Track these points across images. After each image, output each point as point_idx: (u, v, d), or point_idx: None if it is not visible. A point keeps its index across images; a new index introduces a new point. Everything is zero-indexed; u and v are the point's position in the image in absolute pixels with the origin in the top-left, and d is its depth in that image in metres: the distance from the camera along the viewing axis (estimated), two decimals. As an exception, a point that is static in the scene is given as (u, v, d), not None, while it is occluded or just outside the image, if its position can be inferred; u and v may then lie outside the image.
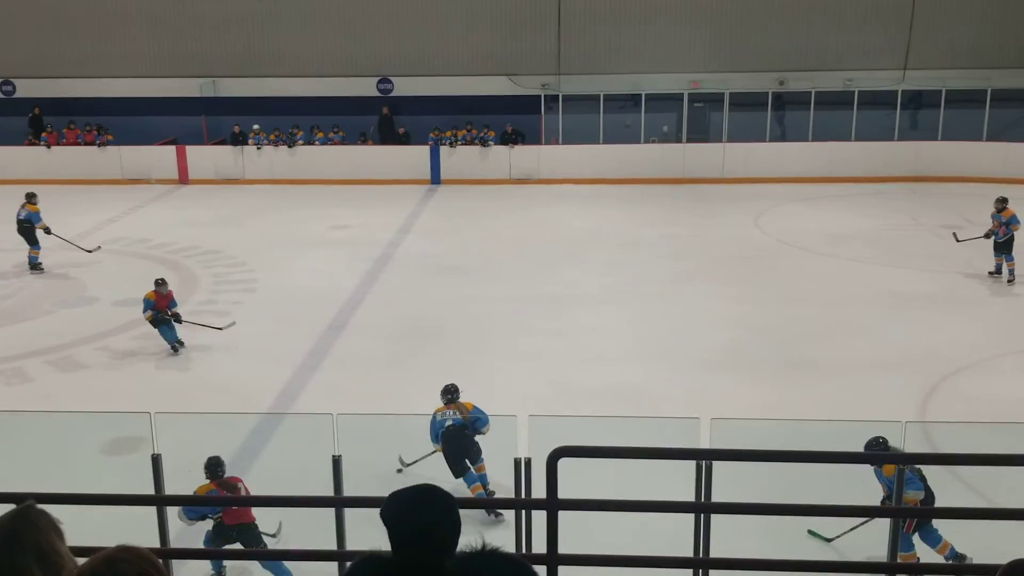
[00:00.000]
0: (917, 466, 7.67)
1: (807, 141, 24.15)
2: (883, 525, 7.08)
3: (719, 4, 24.32)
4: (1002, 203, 15.41)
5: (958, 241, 16.32)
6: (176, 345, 12.75)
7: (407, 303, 14.75)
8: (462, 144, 24.09)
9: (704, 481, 6.18)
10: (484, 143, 24.01)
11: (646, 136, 24.72)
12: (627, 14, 24.36)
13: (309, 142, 24.48)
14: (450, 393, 9.03)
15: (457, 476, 8.44)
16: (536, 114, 24.70)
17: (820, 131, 24.20)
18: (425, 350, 12.79)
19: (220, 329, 13.06)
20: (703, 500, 6.08)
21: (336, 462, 6.17)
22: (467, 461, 8.64)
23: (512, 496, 6.14)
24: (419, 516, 2.61)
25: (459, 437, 8.66)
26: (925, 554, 7.60)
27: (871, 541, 7.33)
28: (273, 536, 7.31)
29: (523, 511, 6.12)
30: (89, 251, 13.41)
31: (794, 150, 23.89)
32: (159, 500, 5.56)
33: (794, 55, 24.18)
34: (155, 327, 12.72)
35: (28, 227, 15.44)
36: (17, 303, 14.94)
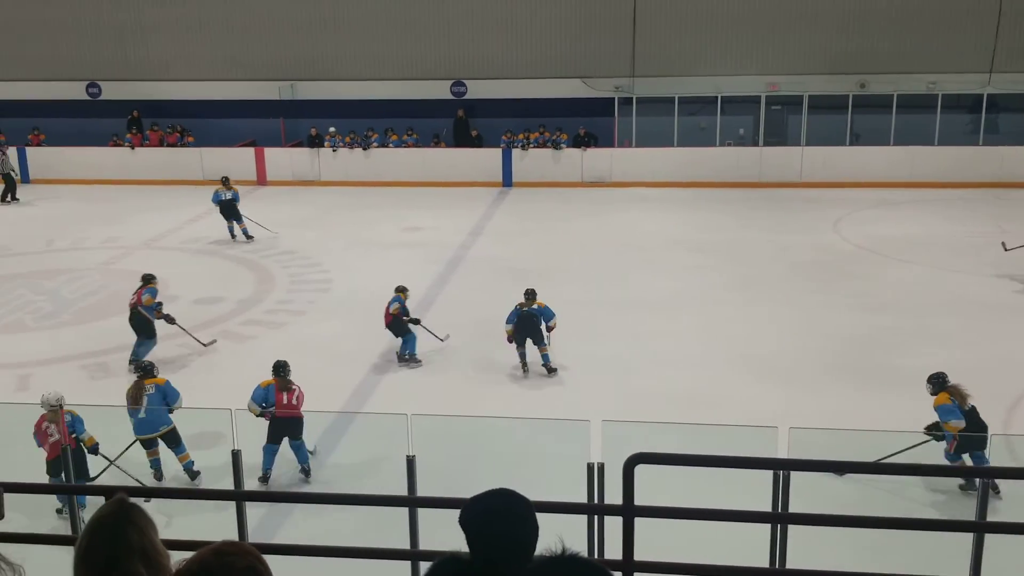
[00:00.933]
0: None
1: (888, 145, 23.60)
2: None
3: (798, 5, 23.91)
4: None
5: (1007, 250, 15.75)
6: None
7: (478, 305, 14.79)
8: (534, 147, 24.10)
9: (781, 491, 6.06)
10: (556, 146, 23.98)
11: (722, 139, 24.43)
12: (703, 15, 24.10)
13: (383, 144, 24.75)
14: (529, 294, 11.97)
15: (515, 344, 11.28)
16: (609, 117, 24.60)
17: (902, 135, 23.63)
18: (496, 352, 12.79)
19: (204, 344, 12.73)
20: (781, 510, 5.96)
21: (410, 462, 6.21)
22: (530, 340, 11.51)
23: (584, 501, 6.08)
24: (499, 522, 2.61)
25: (528, 321, 11.69)
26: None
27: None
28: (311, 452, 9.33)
29: (596, 517, 6.07)
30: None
31: (875, 154, 23.36)
32: (239, 496, 5.65)
33: (875, 57, 23.64)
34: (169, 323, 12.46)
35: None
36: (102, 300, 15.38)
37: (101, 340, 13.40)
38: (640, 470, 4.06)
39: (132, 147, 25.07)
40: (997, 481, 8.12)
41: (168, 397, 9.19)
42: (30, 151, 25.19)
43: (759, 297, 14.96)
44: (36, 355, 12.89)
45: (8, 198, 23.07)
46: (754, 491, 6.18)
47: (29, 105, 26.02)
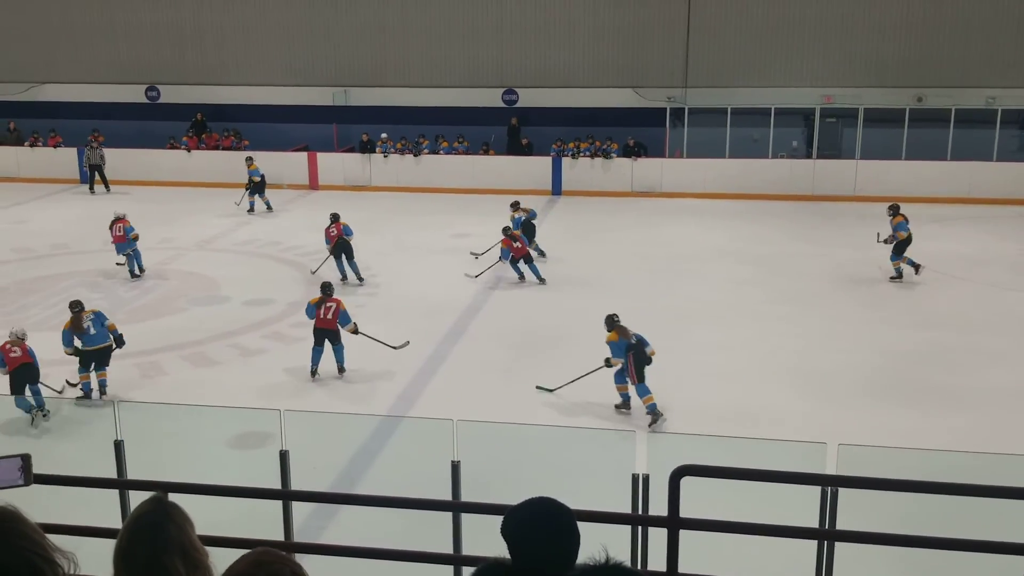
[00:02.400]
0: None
1: (945, 160, 23.20)
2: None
3: (854, 16, 23.64)
4: (892, 211, 16.56)
5: (878, 241, 16.54)
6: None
7: (525, 313, 14.81)
8: (584, 155, 24.08)
9: (829, 508, 5.99)
10: (606, 155, 23.94)
11: (774, 151, 24.21)
12: (758, 26, 23.93)
13: (434, 151, 24.91)
14: (614, 320, 11.22)
15: (638, 381, 10.69)
16: (660, 127, 24.52)
17: (959, 150, 23.22)
18: (542, 360, 12.79)
19: (396, 348, 12.79)
20: (828, 527, 5.88)
21: (455, 467, 6.23)
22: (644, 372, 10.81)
23: (629, 512, 6.06)
24: (540, 531, 2.61)
25: (641, 353, 10.80)
26: None
27: None
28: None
29: (640, 528, 6.04)
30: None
31: (931, 169, 22.96)
32: (286, 495, 5.71)
33: (933, 70, 23.28)
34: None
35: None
36: (155, 300, 15.65)
37: (154, 339, 13.62)
38: (685, 482, 4.03)
39: (188, 150, 25.51)
40: None
41: (102, 319, 11.47)
42: (89, 152, 25.73)
43: (810, 311, 14.77)
44: (91, 352, 13.12)
45: (95, 188, 24.51)
46: (801, 507, 6.10)
47: (90, 107, 26.61)
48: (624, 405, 10.93)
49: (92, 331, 11.27)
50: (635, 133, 24.12)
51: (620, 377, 10.94)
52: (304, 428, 8.81)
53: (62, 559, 2.07)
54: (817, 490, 6.05)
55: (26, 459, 2.35)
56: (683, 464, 4.22)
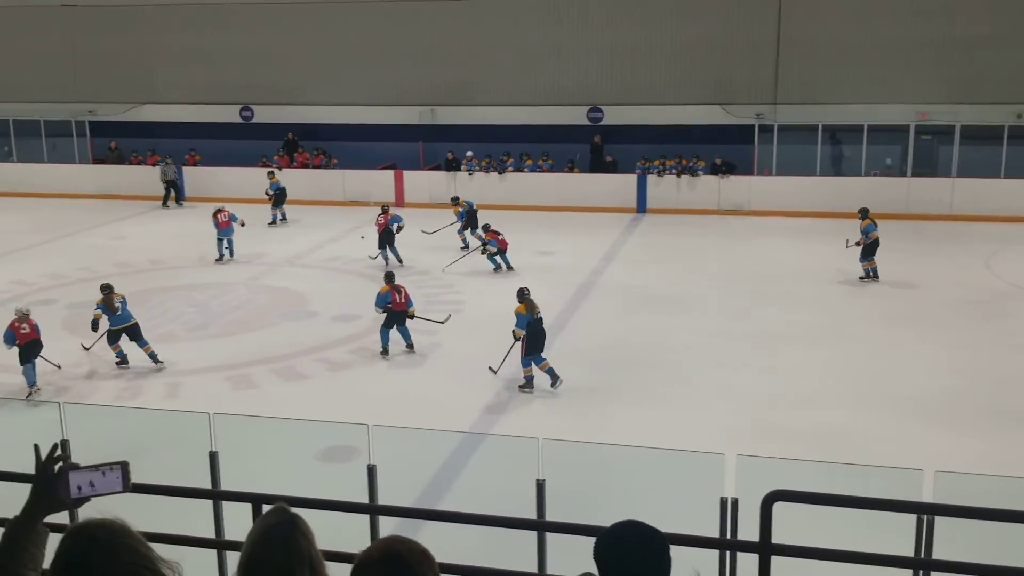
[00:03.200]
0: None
1: (1046, 178, 22.37)
2: None
3: (950, 31, 22.99)
4: (862, 214, 17.56)
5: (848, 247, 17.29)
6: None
7: (609, 332, 14.72)
8: (670, 173, 23.90)
9: (925, 537, 5.78)
10: (693, 173, 23.72)
11: (867, 169, 23.66)
12: (850, 41, 23.46)
13: (518, 169, 25.02)
14: (525, 294, 12.60)
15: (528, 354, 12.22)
16: (748, 144, 24.19)
17: (1062, 168, 22.37)
18: (626, 380, 12.70)
19: (442, 323, 14.56)
20: (924, 556, 5.67)
21: (540, 486, 6.20)
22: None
23: (716, 536, 5.94)
24: (634, 555, 2.57)
25: (539, 330, 12.35)
26: None
27: None
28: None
29: (728, 553, 5.92)
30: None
31: (1031, 187, 22.15)
32: (373, 509, 5.76)
33: (1034, 86, 22.50)
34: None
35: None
36: (247, 314, 16.03)
37: (245, 352, 13.94)
38: (775, 507, 3.95)
39: (279, 168, 26.13)
40: None
41: (126, 302, 13.32)
42: (186, 170, 26.60)
43: (904, 334, 14.34)
44: (185, 364, 13.52)
45: (168, 203, 25.52)
46: (895, 535, 5.90)
47: (187, 127, 27.51)
48: (527, 385, 12.27)
49: (120, 311, 13.12)
50: (722, 150, 23.85)
51: (526, 361, 12.32)
52: (390, 443, 8.88)
53: (167, 569, 2.12)
54: (912, 518, 5.85)
55: (124, 466, 2.43)
56: (776, 489, 4.15)
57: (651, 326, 14.91)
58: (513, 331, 12.44)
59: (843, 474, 8.39)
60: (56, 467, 2.33)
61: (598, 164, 24.97)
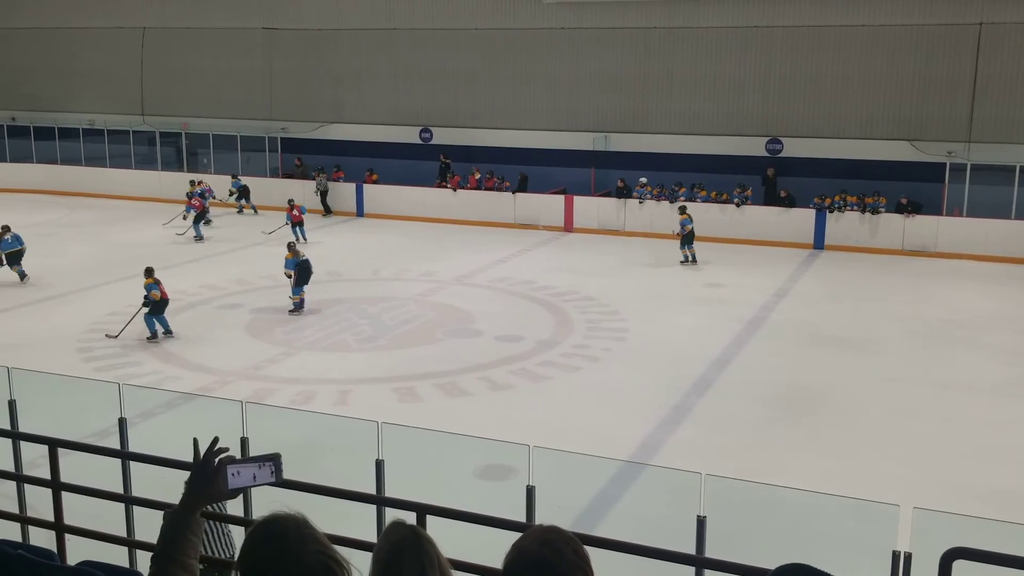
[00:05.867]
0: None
1: None
2: None
3: None
4: (680, 210, 21.62)
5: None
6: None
7: (778, 370, 14.24)
8: (851, 209, 22.99)
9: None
10: (875, 210, 22.73)
11: (1069, 215, 22.04)
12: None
13: (690, 199, 24.66)
14: (292, 245, 17.53)
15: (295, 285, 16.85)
16: (937, 183, 22.99)
17: None
18: (794, 421, 12.23)
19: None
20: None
21: (701, 523, 6.03)
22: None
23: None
24: None
25: (306, 268, 17.03)
26: None
27: None
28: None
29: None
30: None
31: None
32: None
33: None
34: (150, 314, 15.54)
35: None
36: (415, 329, 16.45)
37: (412, 366, 14.29)
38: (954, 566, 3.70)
39: (454, 189, 26.78)
40: None
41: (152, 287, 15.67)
42: (366, 188, 27.66)
43: (1107, 393, 13.20)
44: (355, 374, 13.98)
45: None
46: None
47: (369, 146, 28.63)
48: (296, 308, 16.76)
49: (157, 295, 15.44)
50: (907, 187, 22.75)
51: (296, 291, 16.90)
52: (549, 465, 8.86)
53: (345, 564, 2.16)
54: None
55: (277, 459, 2.51)
56: (956, 546, 3.90)
57: (823, 367, 14.32)
58: (285, 273, 17.09)
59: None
60: (216, 460, 2.41)
61: (771, 197, 24.31)
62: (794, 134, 24.44)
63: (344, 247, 23.33)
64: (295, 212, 23.29)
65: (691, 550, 6.11)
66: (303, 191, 28.15)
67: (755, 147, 24.83)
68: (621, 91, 26.06)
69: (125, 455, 6.31)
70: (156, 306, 15.43)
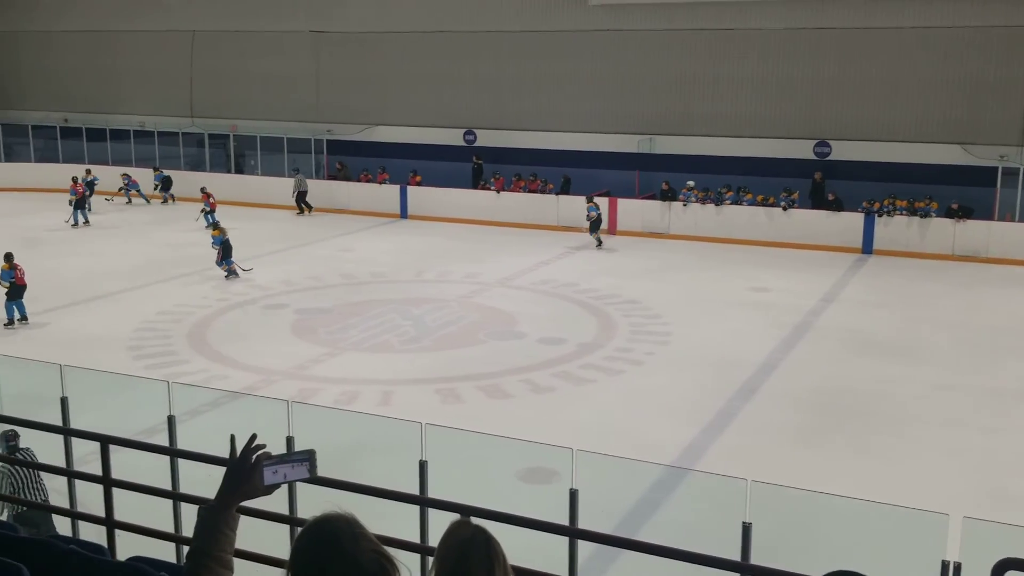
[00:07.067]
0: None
1: None
2: None
3: None
4: (588, 199, 23.66)
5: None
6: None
7: (824, 376, 14.06)
8: (900, 213, 22.64)
9: None
10: (925, 215, 22.36)
11: None
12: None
13: (736, 202, 24.47)
14: (217, 223, 20.94)
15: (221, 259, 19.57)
16: (988, 187, 22.55)
17: None
18: (840, 428, 12.07)
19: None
20: None
21: (746, 529, 5.97)
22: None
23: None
24: None
25: (228, 246, 19.66)
26: None
27: None
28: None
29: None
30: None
31: None
32: (572, 532, 5.74)
33: None
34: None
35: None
36: (458, 330, 16.49)
37: (455, 367, 14.33)
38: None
39: (497, 191, 26.81)
40: None
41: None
42: (409, 190, 27.79)
43: None
44: (398, 374, 14.06)
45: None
46: None
47: (411, 148, 28.78)
48: (232, 275, 19.59)
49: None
50: (958, 192, 22.35)
51: (228, 262, 19.67)
52: (591, 469, 8.83)
53: (397, 563, 2.18)
54: None
55: (311, 455, 2.56)
56: (1008, 556, 3.87)
57: (871, 373, 14.11)
58: (213, 245, 19.85)
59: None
60: (253, 457, 2.45)
61: (819, 201, 24.02)
62: (842, 137, 24.13)
63: (388, 249, 23.46)
64: (211, 200, 25.38)
65: (736, 557, 6.06)
66: (348, 192, 28.41)
67: (802, 150, 24.55)
68: (667, 93, 25.92)
69: (174, 452, 6.40)
70: (15, 291, 16.31)
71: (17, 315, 16.20)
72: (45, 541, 4.23)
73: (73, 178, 26.39)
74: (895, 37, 23.46)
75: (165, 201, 29.62)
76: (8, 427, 7.56)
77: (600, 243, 23.45)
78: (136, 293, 18.67)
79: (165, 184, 29.83)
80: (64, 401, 7.75)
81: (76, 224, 25.57)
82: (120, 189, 29.71)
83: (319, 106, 30.26)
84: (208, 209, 24.94)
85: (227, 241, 19.76)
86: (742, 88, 25.09)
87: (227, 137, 31.66)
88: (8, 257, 16.42)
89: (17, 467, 7.46)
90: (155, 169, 30.27)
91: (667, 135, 25.91)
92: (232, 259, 19.74)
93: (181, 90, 32.08)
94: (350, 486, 4.82)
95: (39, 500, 7.59)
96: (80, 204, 25.86)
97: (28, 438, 7.88)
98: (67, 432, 7.16)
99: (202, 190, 26.01)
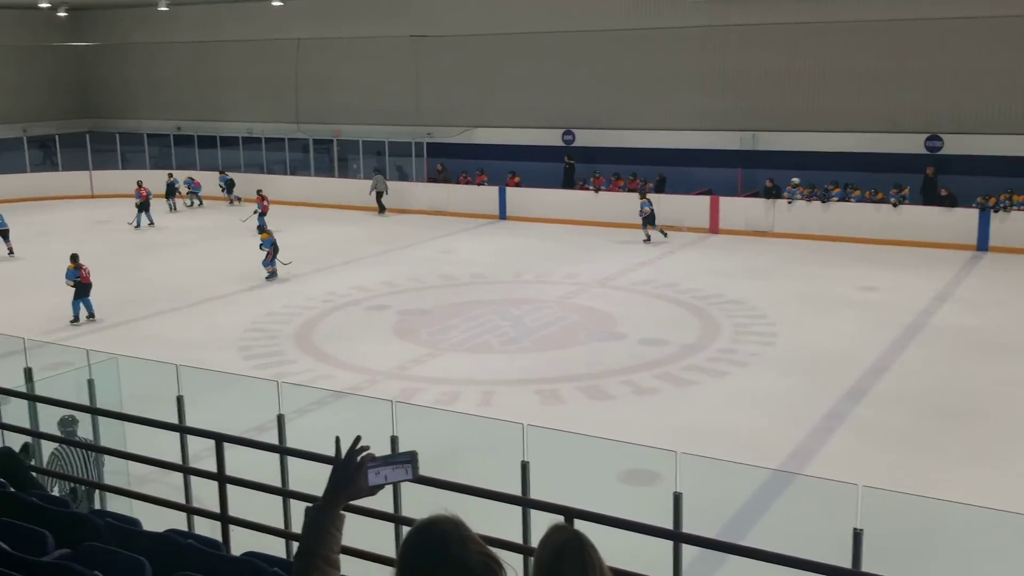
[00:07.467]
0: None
1: None
2: None
3: None
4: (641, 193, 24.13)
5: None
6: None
7: (938, 378, 13.55)
8: (1017, 210, 21.66)
9: None
10: (1045, 209, 21.36)
11: None
12: None
13: (843, 199, 23.79)
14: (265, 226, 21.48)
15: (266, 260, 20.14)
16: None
17: None
18: (955, 432, 11.61)
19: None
20: None
21: (857, 536, 5.79)
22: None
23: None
24: None
25: (276, 245, 20.26)
26: None
27: None
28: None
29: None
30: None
31: None
32: (677, 536, 5.66)
33: None
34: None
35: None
36: (558, 331, 16.47)
37: (554, 368, 14.31)
38: None
39: (596, 191, 26.70)
40: None
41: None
42: (508, 191, 27.91)
43: None
44: (498, 375, 14.12)
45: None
46: None
47: (510, 149, 28.90)
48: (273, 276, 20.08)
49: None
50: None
51: (274, 262, 20.24)
52: (694, 471, 8.70)
53: (504, 562, 2.18)
54: None
55: (414, 457, 2.58)
56: None
57: (989, 375, 13.54)
58: (262, 244, 20.38)
59: None
60: (358, 458, 2.48)
61: (931, 197, 23.16)
62: (956, 130, 23.23)
63: (487, 250, 23.61)
64: (265, 203, 25.56)
65: (846, 564, 5.88)
66: (448, 194, 28.71)
67: (913, 144, 23.72)
68: (770, 88, 25.39)
69: (284, 451, 6.55)
70: (81, 289, 16.97)
71: (85, 312, 17.01)
72: (165, 536, 4.38)
73: (138, 182, 27.47)
74: (1011, 25, 22.45)
75: (231, 203, 30.60)
76: (68, 413, 8.02)
77: (649, 238, 23.59)
78: (245, 296, 19.24)
79: (229, 186, 30.90)
80: (180, 400, 8.03)
81: (139, 226, 26.76)
82: (187, 193, 30.91)
83: (419, 109, 30.67)
84: (260, 211, 25.31)
85: (275, 243, 20.40)
86: (849, 82, 24.39)
87: (331, 142, 32.37)
88: (74, 257, 17.27)
89: (67, 449, 7.87)
90: (220, 172, 31.39)
91: (771, 131, 25.37)
92: (276, 260, 20.31)
93: (287, 97, 32.96)
94: (453, 486, 4.86)
95: (91, 479, 8.00)
96: (144, 207, 26.97)
97: (145, 434, 8.20)
98: (183, 430, 7.42)
99: (258, 192, 26.52)
